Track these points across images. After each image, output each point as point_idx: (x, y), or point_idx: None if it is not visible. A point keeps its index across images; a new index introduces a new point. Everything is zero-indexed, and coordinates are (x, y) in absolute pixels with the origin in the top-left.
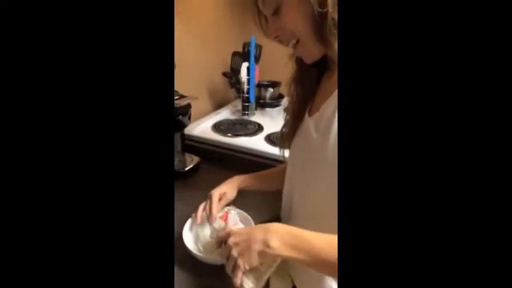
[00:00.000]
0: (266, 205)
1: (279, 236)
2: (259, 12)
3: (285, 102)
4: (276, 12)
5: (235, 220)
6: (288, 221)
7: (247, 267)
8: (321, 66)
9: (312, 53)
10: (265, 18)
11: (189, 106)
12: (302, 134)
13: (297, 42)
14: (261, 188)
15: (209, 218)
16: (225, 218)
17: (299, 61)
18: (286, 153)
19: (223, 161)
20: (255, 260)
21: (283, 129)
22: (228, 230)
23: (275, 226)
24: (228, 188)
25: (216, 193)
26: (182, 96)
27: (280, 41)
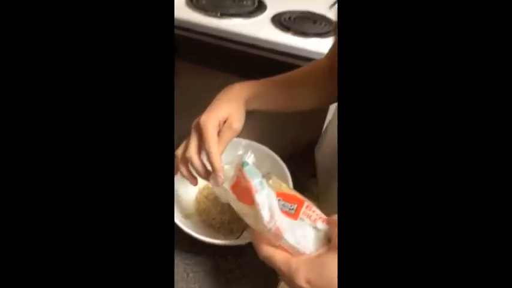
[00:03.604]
0: (280, 136)
1: None
2: None
3: None
4: None
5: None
6: (331, 175)
7: None
8: None
9: None
10: None
11: None
12: None
13: None
14: (279, 106)
15: (212, 174)
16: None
17: None
18: None
19: (206, 55)
20: None
21: None
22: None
23: None
24: (230, 109)
25: (211, 121)
26: None
27: None
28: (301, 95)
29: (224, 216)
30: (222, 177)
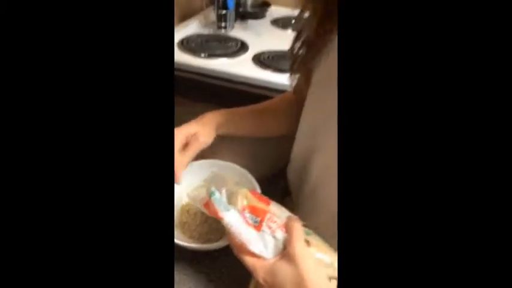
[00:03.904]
0: (257, 153)
1: None
2: None
3: (272, 11)
4: None
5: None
6: (300, 188)
7: None
8: None
9: None
10: None
11: None
12: (332, 57)
13: None
14: (250, 132)
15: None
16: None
17: None
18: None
19: (195, 91)
20: None
21: (298, 49)
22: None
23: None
24: (200, 128)
25: (179, 134)
26: None
27: None
28: (270, 122)
29: (203, 228)
30: (179, 179)
